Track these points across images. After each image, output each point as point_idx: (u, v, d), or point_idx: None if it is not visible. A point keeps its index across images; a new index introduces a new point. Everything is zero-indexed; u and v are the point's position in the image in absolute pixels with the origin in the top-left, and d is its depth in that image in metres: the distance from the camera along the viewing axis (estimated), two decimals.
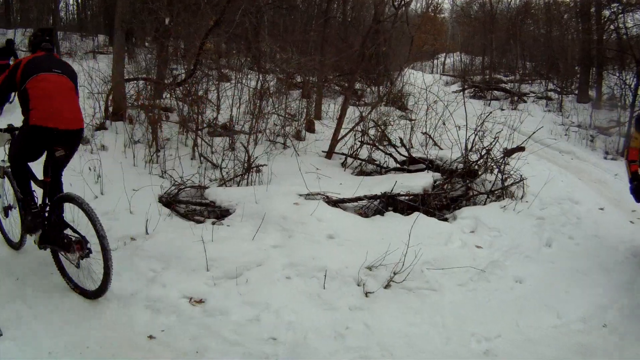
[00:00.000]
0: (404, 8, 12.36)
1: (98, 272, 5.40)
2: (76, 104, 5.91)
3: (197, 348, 4.93)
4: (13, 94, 5.95)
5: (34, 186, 5.90)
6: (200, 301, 5.59)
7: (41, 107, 5.28)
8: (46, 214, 5.78)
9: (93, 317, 5.36)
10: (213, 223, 7.58)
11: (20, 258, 6.28)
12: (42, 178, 5.76)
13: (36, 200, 5.87)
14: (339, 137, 11.66)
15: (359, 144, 11.37)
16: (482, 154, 9.48)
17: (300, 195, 8.05)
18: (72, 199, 5.47)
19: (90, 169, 9.30)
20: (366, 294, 5.78)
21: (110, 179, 8.99)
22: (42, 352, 4.71)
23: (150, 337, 5.08)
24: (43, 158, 5.75)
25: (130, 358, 4.72)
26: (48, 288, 5.70)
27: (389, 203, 8.30)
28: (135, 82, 13.16)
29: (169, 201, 8.24)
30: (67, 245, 5.49)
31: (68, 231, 5.61)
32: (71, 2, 40.82)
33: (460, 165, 9.51)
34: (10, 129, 5.93)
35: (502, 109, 20.03)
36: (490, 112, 11.12)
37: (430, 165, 10.10)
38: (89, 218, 5.27)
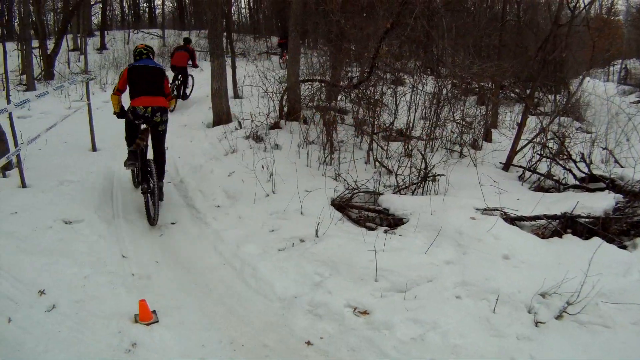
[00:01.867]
0: (584, 11, 11.63)
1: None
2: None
3: None
4: None
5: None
6: (365, 312, 5.42)
7: None
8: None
9: (252, 314, 5.41)
10: (385, 231, 7.40)
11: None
12: None
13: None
14: (517, 149, 11.16)
15: (537, 156, 10.81)
16: None
17: (477, 209, 7.69)
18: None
19: (263, 167, 9.46)
20: (536, 323, 5.34)
21: (282, 179, 9.11)
22: (196, 343, 4.80)
23: (308, 343, 5.03)
24: None
25: None
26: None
27: (568, 224, 7.80)
28: (310, 83, 13.33)
29: (342, 205, 8.18)
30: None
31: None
32: (243, 5, 42.39)
33: None
34: None
35: None
36: None
37: (611, 184, 9.41)
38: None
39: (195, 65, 17.42)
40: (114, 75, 18.23)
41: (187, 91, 17.09)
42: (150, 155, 8.44)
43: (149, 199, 8.10)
